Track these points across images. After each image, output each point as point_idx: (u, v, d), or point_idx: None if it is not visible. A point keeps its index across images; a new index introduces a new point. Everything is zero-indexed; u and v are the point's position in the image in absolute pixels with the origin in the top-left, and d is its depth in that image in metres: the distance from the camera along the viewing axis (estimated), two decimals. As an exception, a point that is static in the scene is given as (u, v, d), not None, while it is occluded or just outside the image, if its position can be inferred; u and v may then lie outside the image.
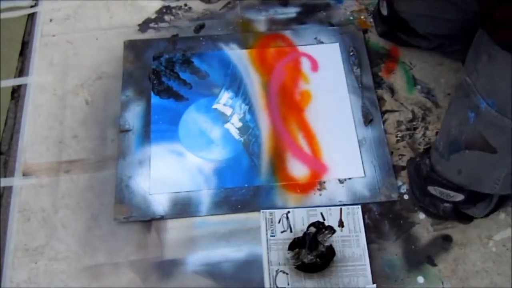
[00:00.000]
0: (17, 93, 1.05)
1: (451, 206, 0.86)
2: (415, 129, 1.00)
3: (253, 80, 1.05)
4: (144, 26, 1.13)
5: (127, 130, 0.98)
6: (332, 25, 1.13)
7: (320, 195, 0.92)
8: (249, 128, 0.99)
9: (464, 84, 0.72)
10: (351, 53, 1.08)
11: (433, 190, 0.85)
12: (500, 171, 0.75)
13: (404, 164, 0.96)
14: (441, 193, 0.84)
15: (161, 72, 1.05)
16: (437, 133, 0.99)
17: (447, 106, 1.02)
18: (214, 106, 1.02)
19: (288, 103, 1.02)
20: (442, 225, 0.90)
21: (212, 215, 0.90)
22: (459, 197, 0.83)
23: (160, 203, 0.91)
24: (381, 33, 1.09)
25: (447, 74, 1.06)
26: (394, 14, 0.98)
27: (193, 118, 1.00)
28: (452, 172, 0.80)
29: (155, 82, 1.04)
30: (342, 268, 0.85)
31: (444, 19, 0.93)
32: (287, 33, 1.11)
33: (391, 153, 0.97)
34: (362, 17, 1.14)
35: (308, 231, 0.87)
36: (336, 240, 0.88)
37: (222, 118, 1.01)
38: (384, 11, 1.00)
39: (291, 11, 1.16)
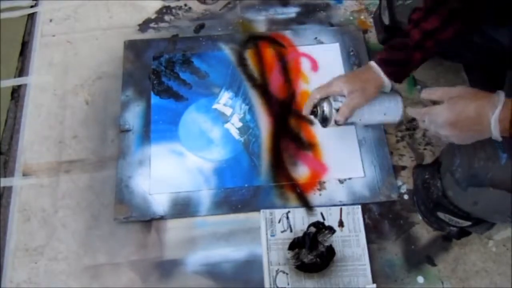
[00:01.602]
0: (17, 93, 1.05)
1: (457, 229, 0.86)
2: (415, 129, 1.00)
3: (253, 80, 1.05)
4: (144, 26, 1.13)
5: (127, 130, 0.98)
6: (332, 25, 1.13)
7: (320, 195, 0.92)
8: (249, 128, 0.99)
9: None
10: (351, 53, 1.08)
11: (442, 216, 0.84)
12: None
13: (404, 164, 0.96)
14: (450, 219, 0.84)
15: (161, 72, 1.05)
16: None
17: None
18: (214, 106, 1.02)
19: (288, 103, 1.02)
20: (442, 225, 0.90)
21: (212, 215, 0.90)
22: (467, 223, 0.83)
23: (160, 203, 0.91)
24: (382, 40, 1.08)
25: (447, 74, 1.06)
26: (396, 24, 0.97)
27: (193, 118, 1.00)
28: (467, 202, 0.78)
29: (155, 82, 1.04)
30: (342, 268, 0.85)
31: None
32: (287, 33, 1.11)
33: (391, 153, 0.97)
34: (362, 17, 1.14)
35: (308, 231, 0.87)
36: (336, 240, 0.88)
37: (222, 118, 1.01)
38: (386, 20, 0.98)
39: (291, 11, 1.16)
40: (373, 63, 0.81)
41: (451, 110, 0.67)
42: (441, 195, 0.82)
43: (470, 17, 0.78)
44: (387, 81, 0.81)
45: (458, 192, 0.78)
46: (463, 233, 0.87)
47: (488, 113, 0.63)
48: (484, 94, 0.66)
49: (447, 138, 0.69)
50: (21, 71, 1.08)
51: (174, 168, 0.95)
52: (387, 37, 1.06)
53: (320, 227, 0.88)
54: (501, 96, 0.63)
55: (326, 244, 0.86)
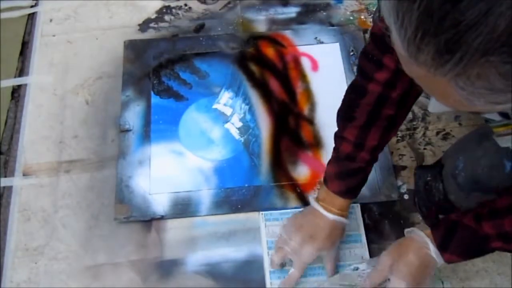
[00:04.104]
0: (17, 93, 1.05)
1: None
2: (415, 129, 1.00)
3: (253, 80, 1.05)
4: (144, 26, 1.13)
5: (127, 130, 0.98)
6: (332, 25, 1.13)
7: (320, 195, 0.92)
8: (249, 128, 0.99)
9: None
10: (351, 53, 1.08)
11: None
12: None
13: (404, 164, 0.96)
14: None
15: (161, 72, 1.05)
16: (437, 133, 0.99)
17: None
18: (214, 106, 1.02)
19: (288, 103, 1.02)
20: (442, 225, 0.90)
21: (212, 215, 0.90)
22: None
23: (160, 203, 0.91)
24: None
25: (447, 74, 1.06)
26: None
27: (193, 118, 1.00)
28: (469, 207, 0.76)
29: (155, 82, 1.04)
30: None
31: None
32: (287, 33, 1.11)
33: (391, 153, 0.97)
34: (362, 17, 1.14)
35: None
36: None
37: (222, 118, 1.01)
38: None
39: (291, 11, 1.16)
40: (318, 207, 0.77)
41: (404, 276, 0.66)
42: (443, 199, 0.82)
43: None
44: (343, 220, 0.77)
45: (460, 196, 0.78)
46: None
47: (429, 252, 0.65)
48: (405, 242, 0.69)
49: None
50: (21, 71, 1.08)
51: (174, 168, 0.95)
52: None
53: None
54: (419, 232, 0.67)
55: None
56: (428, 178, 0.86)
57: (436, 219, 0.87)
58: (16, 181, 0.94)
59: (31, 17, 1.15)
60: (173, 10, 1.16)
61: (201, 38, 1.10)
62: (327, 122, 0.99)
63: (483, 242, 0.62)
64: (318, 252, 0.77)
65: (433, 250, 0.65)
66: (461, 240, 0.64)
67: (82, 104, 1.03)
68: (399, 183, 0.94)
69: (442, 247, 0.65)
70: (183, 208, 0.91)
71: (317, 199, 0.78)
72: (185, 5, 1.17)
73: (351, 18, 1.14)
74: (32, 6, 1.17)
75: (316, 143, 0.97)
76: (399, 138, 0.99)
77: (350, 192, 0.76)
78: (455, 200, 0.79)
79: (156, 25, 1.13)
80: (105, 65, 1.08)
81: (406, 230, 0.71)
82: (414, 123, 1.01)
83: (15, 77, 1.07)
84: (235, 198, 0.92)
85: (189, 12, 1.16)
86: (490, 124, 0.63)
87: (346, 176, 0.74)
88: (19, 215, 0.91)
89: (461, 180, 0.76)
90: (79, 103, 1.03)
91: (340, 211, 0.76)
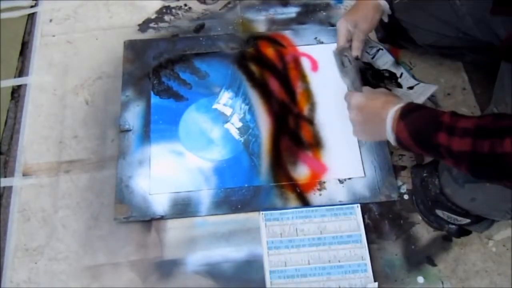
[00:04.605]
0: (17, 93, 1.05)
1: (456, 227, 0.86)
2: (415, 129, 1.00)
3: (253, 80, 1.05)
4: (144, 26, 1.13)
5: (127, 130, 0.98)
6: (332, 25, 1.13)
7: (320, 195, 0.92)
8: (249, 128, 0.99)
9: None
10: (351, 53, 1.07)
11: (441, 213, 0.85)
12: None
13: (404, 164, 0.96)
14: (449, 217, 0.84)
15: (161, 72, 1.05)
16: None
17: (448, 107, 1.02)
18: (214, 106, 1.02)
19: (288, 103, 1.02)
20: (442, 225, 0.90)
21: (212, 215, 0.90)
22: (466, 221, 0.83)
23: (160, 203, 0.91)
24: (381, 38, 1.08)
25: (447, 74, 1.06)
26: (395, 22, 0.97)
27: (193, 118, 1.01)
28: (465, 199, 0.78)
29: (155, 82, 1.04)
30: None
31: (443, 35, 0.92)
32: (287, 33, 1.11)
33: (391, 153, 0.97)
34: (362, 17, 1.14)
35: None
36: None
37: (222, 118, 1.01)
38: (385, 18, 0.98)
39: (291, 11, 1.16)
40: None
41: (365, 97, 0.74)
42: (439, 193, 0.83)
43: None
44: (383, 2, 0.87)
45: (455, 189, 0.79)
46: (463, 232, 0.87)
47: (389, 107, 0.67)
48: (396, 95, 0.73)
49: (353, 124, 0.76)
50: (21, 71, 1.08)
51: (174, 168, 0.95)
52: (386, 35, 1.06)
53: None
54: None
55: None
56: (425, 175, 0.87)
57: (433, 215, 0.87)
58: (16, 181, 0.94)
59: (31, 17, 1.15)
60: (173, 10, 1.16)
61: (201, 38, 1.10)
62: (327, 122, 0.99)
63: (434, 127, 0.60)
64: (344, 19, 0.89)
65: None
66: (421, 116, 0.64)
67: (82, 104, 1.03)
68: (399, 183, 0.94)
69: (403, 114, 0.65)
70: (183, 208, 0.91)
71: None
72: (185, 5, 1.17)
73: (351, 18, 1.14)
74: (32, 6, 1.17)
75: (316, 143, 0.97)
76: (399, 138, 0.99)
77: None
78: (450, 193, 0.81)
79: (156, 25, 1.13)
80: (105, 65, 1.08)
81: None
82: (414, 123, 1.00)
83: (15, 77, 1.07)
84: (235, 198, 0.92)
85: (189, 12, 1.16)
86: None
87: None
88: (19, 215, 0.91)
89: (455, 172, 0.78)
90: (79, 103, 1.03)
91: None
